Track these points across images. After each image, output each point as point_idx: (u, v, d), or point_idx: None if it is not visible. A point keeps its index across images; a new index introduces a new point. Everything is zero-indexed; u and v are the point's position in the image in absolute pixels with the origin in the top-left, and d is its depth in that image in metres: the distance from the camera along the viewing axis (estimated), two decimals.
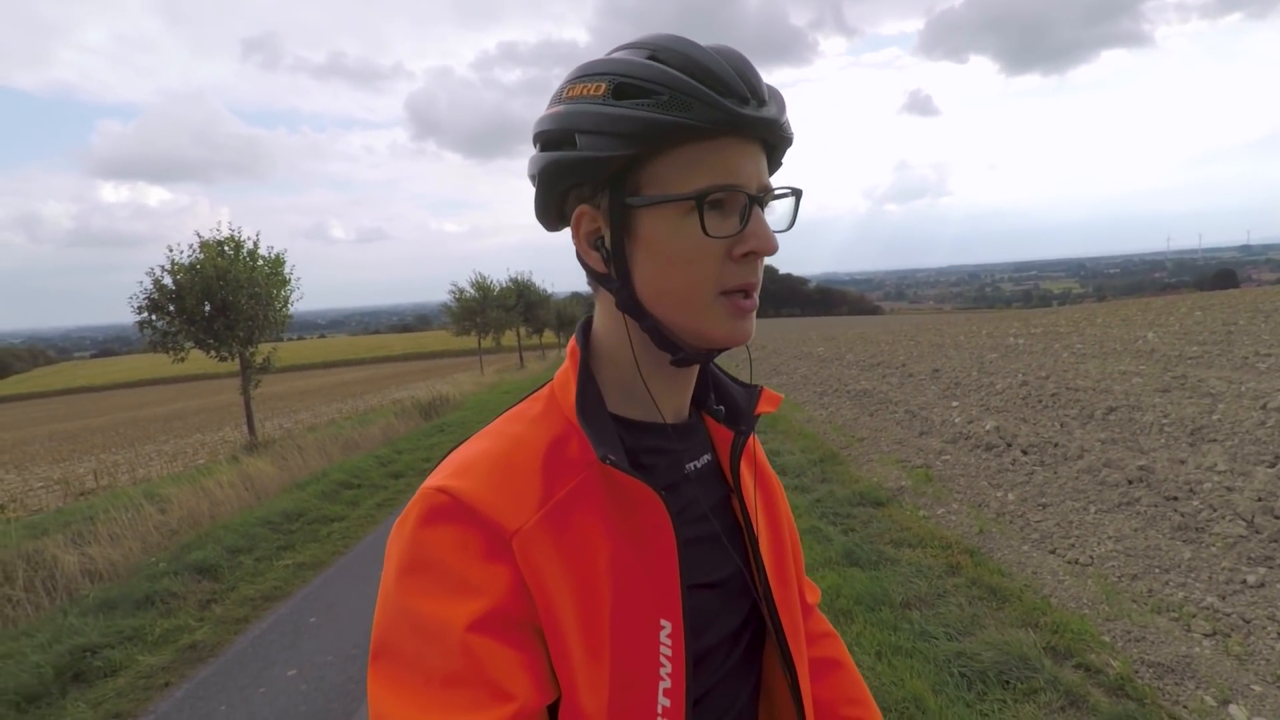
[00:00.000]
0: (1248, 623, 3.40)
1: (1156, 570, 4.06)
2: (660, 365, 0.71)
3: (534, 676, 0.59)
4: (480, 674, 0.56)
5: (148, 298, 10.76)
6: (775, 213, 0.69)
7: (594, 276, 0.70)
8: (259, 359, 11.94)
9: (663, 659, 0.64)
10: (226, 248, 11.35)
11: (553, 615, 0.60)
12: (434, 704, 0.55)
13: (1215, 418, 6.28)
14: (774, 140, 0.66)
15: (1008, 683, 3.07)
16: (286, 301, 12.18)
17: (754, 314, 0.67)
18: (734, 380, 0.85)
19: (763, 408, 0.80)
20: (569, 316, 42.69)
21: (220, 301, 10.87)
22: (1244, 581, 3.75)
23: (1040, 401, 8.44)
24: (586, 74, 0.65)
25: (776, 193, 0.68)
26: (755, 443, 0.86)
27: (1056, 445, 6.48)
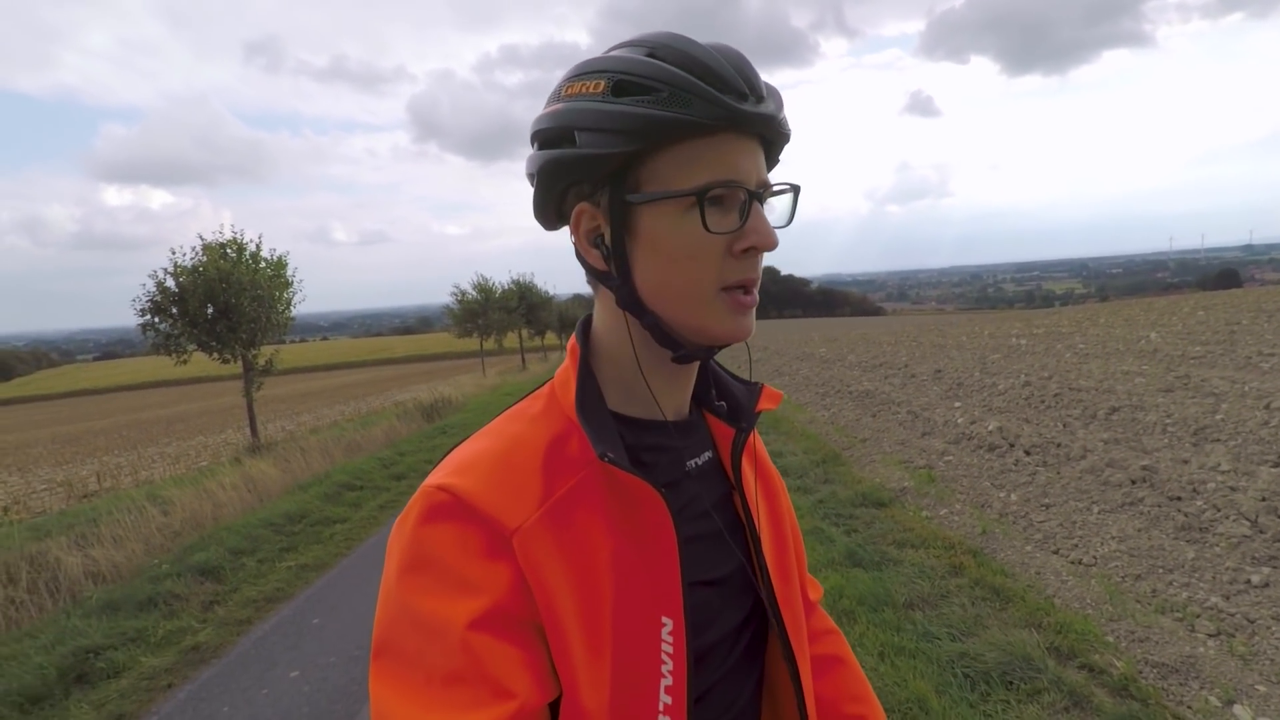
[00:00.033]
0: (1252, 623, 3.39)
1: (1160, 570, 4.05)
2: (661, 362, 0.71)
3: (535, 674, 0.59)
4: (481, 672, 0.56)
5: (151, 300, 10.77)
6: (774, 209, 0.69)
7: (593, 274, 0.70)
8: (261, 361, 11.95)
9: (664, 656, 0.64)
10: (229, 250, 11.36)
11: (553, 613, 0.60)
12: (435, 702, 0.55)
13: (1219, 418, 6.27)
14: (772, 136, 0.66)
15: (1011, 683, 3.07)
16: (289, 304, 12.19)
17: (754, 310, 0.67)
18: (734, 377, 0.84)
19: (763, 405, 0.80)
20: (571, 318, 42.65)
21: (223, 304, 10.88)
22: (1248, 581, 3.74)
23: (1043, 402, 8.42)
24: (585, 72, 0.65)
25: (775, 189, 0.68)
26: (757, 440, 0.86)
27: (1059, 445, 6.46)
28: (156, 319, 10.83)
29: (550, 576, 0.61)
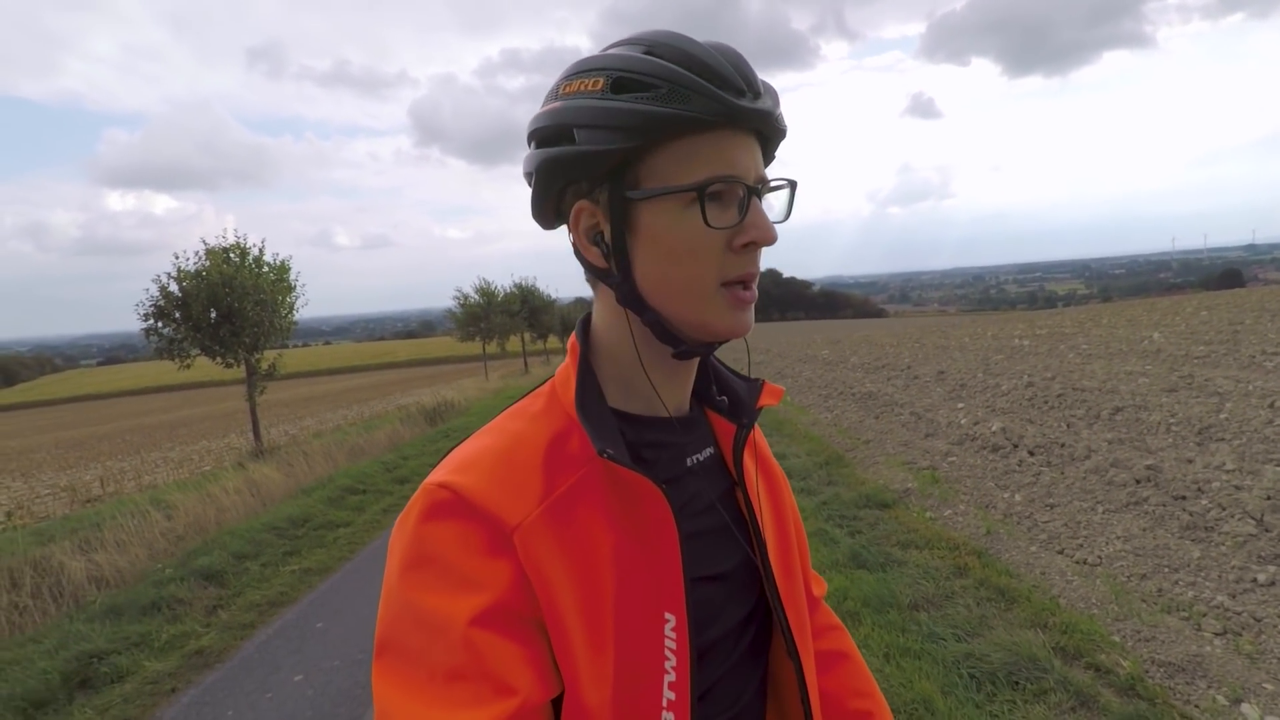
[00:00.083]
0: (1259, 621, 3.38)
1: (1166, 570, 4.04)
2: (661, 359, 0.71)
3: (537, 670, 0.59)
4: (483, 668, 0.56)
5: (154, 305, 10.78)
6: (772, 205, 0.69)
7: (593, 272, 0.71)
8: (264, 365, 11.96)
9: (667, 652, 0.64)
10: (232, 255, 11.37)
11: (555, 609, 0.60)
12: (437, 699, 0.55)
13: (1223, 417, 6.25)
14: (769, 132, 0.67)
15: (1017, 684, 3.05)
16: (292, 308, 12.20)
17: (753, 305, 0.68)
18: (735, 374, 0.84)
19: (765, 400, 0.80)
20: (573, 321, 42.32)
21: (226, 308, 10.89)
22: (1254, 580, 3.73)
23: (1046, 402, 8.41)
24: (583, 70, 0.65)
25: (772, 184, 0.68)
26: (759, 436, 0.86)
27: (1063, 446, 6.45)
28: (160, 323, 10.84)
29: (551, 573, 0.61)
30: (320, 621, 4.74)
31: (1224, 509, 4.50)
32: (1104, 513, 4.96)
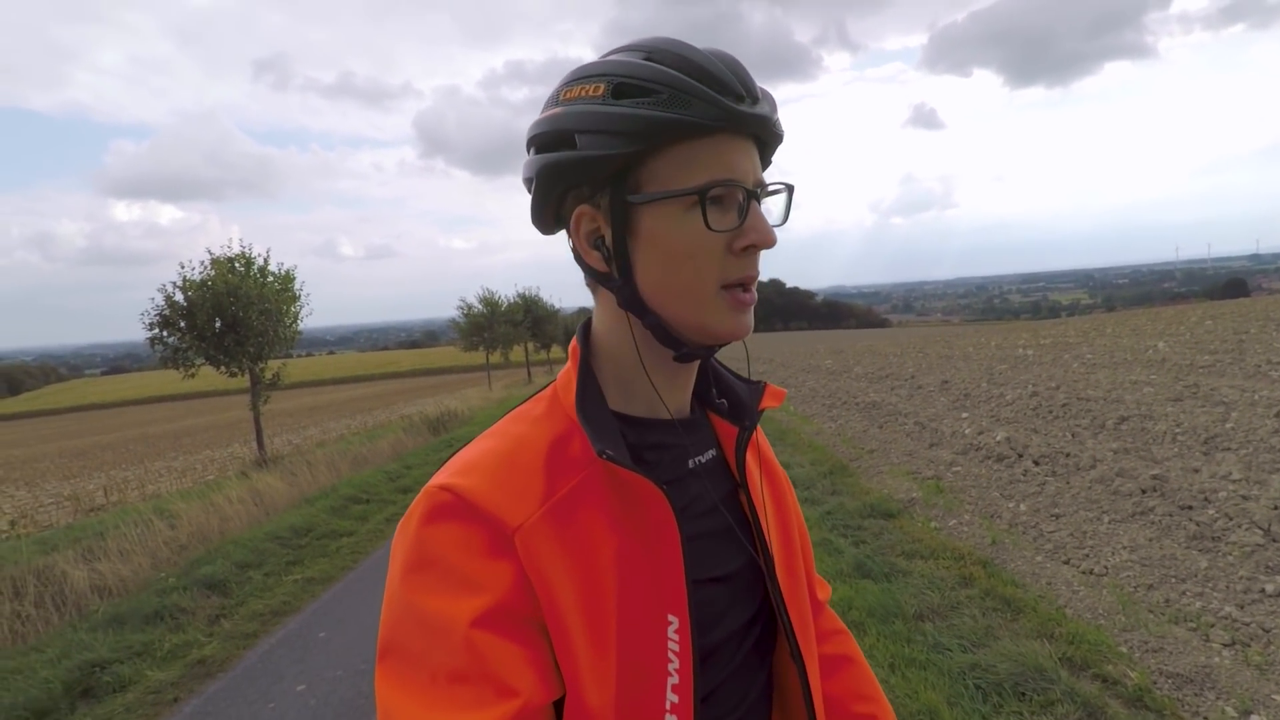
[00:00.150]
0: (1267, 632, 3.35)
1: (1173, 580, 4.01)
2: (662, 362, 0.72)
3: (538, 672, 0.59)
4: (484, 670, 0.56)
5: (159, 314, 10.82)
6: (770, 210, 0.70)
7: (594, 276, 0.71)
8: (269, 375, 11.98)
9: (670, 654, 0.64)
10: (237, 264, 11.40)
11: (556, 611, 0.60)
12: (439, 701, 0.55)
13: (1229, 426, 6.23)
14: (767, 137, 0.68)
15: (1024, 694, 3.03)
16: (296, 318, 12.22)
17: (753, 308, 0.68)
18: (737, 376, 0.85)
19: (767, 403, 0.80)
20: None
21: (231, 318, 10.92)
22: (1262, 590, 3.70)
23: (1051, 412, 8.38)
24: (584, 76, 0.66)
25: (771, 188, 0.69)
26: (762, 438, 0.86)
27: (1068, 455, 6.43)
28: (165, 333, 10.88)
29: (552, 574, 0.61)
30: (323, 631, 4.73)
31: (1231, 519, 4.48)
32: (1110, 522, 4.94)
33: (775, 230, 0.67)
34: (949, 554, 4.75)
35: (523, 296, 36.86)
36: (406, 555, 0.61)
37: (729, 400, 0.81)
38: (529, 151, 0.71)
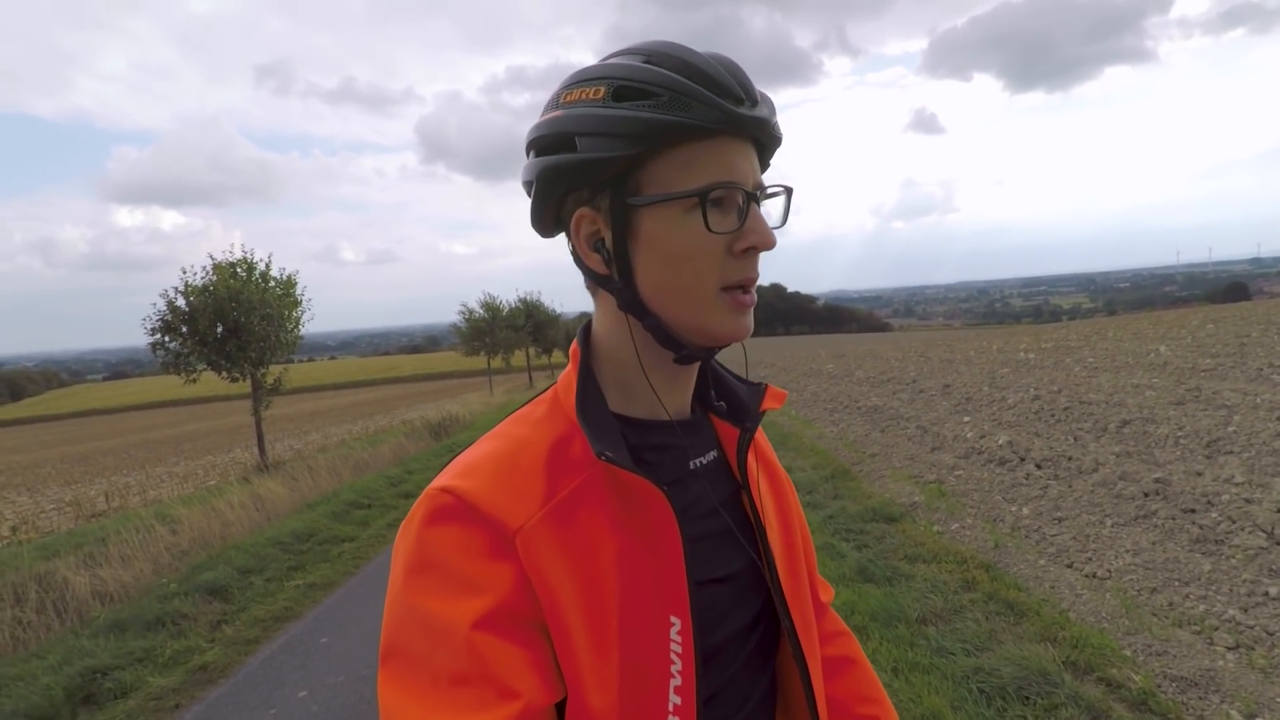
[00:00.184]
0: (1271, 635, 3.34)
1: (1176, 583, 4.00)
2: (662, 363, 0.72)
3: (540, 674, 0.59)
4: (485, 672, 0.56)
5: (161, 319, 10.83)
6: (769, 212, 0.70)
7: (594, 278, 0.71)
8: (270, 380, 11.99)
9: (673, 656, 0.63)
10: (239, 270, 11.42)
11: (557, 612, 0.60)
12: (441, 703, 0.55)
13: (1231, 429, 6.22)
14: (765, 140, 0.68)
15: (1028, 698, 3.02)
16: (298, 323, 12.23)
17: (752, 310, 0.69)
18: (737, 378, 0.85)
19: (768, 404, 0.80)
20: None
21: (232, 323, 10.94)
22: (1266, 593, 3.69)
23: (1053, 415, 8.38)
24: (584, 79, 0.66)
25: (769, 191, 0.69)
26: (764, 440, 0.86)
27: (1071, 459, 6.42)
28: (167, 338, 10.89)
29: (553, 576, 0.61)
30: (325, 637, 4.72)
31: (1234, 522, 4.47)
32: (1113, 526, 4.93)
33: (774, 232, 0.67)
34: (952, 558, 4.74)
35: (524, 301, 36.90)
36: (408, 557, 0.61)
37: (730, 402, 0.82)
38: (529, 155, 0.71)
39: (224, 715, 3.78)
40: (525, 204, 0.74)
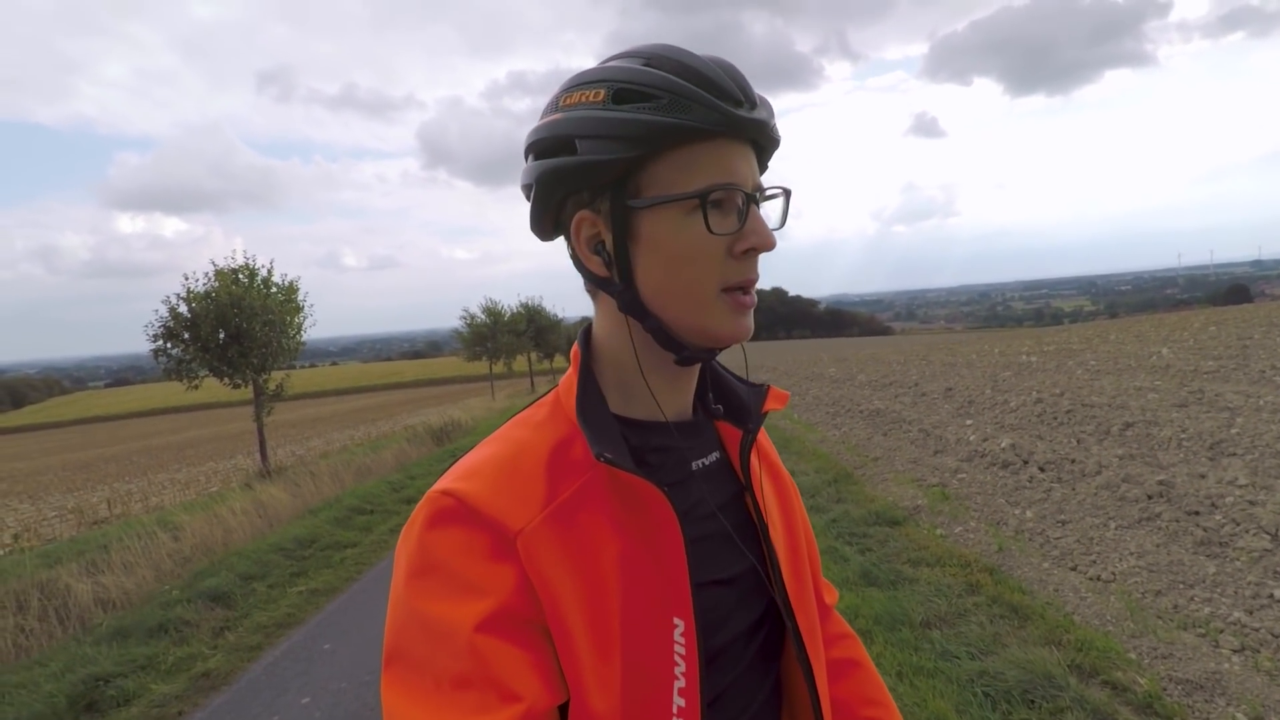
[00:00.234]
0: (1276, 637, 3.33)
1: (1181, 586, 3.99)
2: (663, 365, 0.72)
3: (542, 676, 0.58)
4: (488, 674, 0.56)
5: (163, 326, 10.84)
6: (768, 214, 0.70)
7: (594, 281, 0.71)
8: (272, 386, 11.99)
9: (676, 658, 0.63)
10: (241, 276, 11.44)
11: (559, 614, 0.60)
12: (444, 707, 0.55)
13: (1234, 431, 6.20)
14: (764, 142, 0.68)
15: (1033, 702, 3.01)
16: (300, 328, 12.24)
17: (753, 311, 0.69)
18: (739, 379, 0.85)
19: (770, 405, 0.80)
20: None
21: (234, 329, 10.95)
22: (1271, 596, 3.67)
23: (1055, 418, 8.36)
24: (583, 82, 0.67)
25: (768, 192, 0.70)
26: (767, 441, 0.86)
27: (1074, 462, 6.40)
28: (169, 344, 10.90)
29: (555, 578, 0.61)
30: (328, 643, 4.72)
31: (1238, 524, 4.45)
32: (1116, 529, 4.91)
33: (774, 234, 0.67)
34: (955, 561, 4.73)
35: (526, 306, 36.92)
36: (410, 560, 0.62)
37: (732, 403, 0.81)
38: (528, 158, 0.71)
39: None
40: (526, 209, 0.74)
